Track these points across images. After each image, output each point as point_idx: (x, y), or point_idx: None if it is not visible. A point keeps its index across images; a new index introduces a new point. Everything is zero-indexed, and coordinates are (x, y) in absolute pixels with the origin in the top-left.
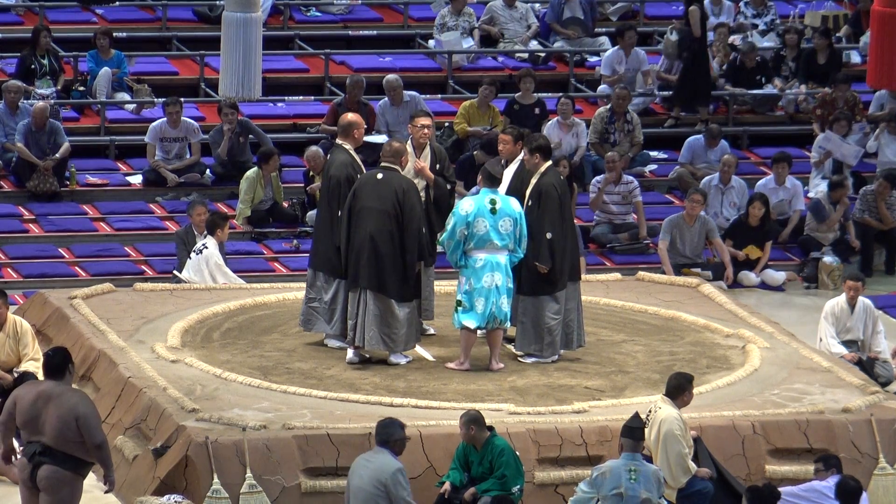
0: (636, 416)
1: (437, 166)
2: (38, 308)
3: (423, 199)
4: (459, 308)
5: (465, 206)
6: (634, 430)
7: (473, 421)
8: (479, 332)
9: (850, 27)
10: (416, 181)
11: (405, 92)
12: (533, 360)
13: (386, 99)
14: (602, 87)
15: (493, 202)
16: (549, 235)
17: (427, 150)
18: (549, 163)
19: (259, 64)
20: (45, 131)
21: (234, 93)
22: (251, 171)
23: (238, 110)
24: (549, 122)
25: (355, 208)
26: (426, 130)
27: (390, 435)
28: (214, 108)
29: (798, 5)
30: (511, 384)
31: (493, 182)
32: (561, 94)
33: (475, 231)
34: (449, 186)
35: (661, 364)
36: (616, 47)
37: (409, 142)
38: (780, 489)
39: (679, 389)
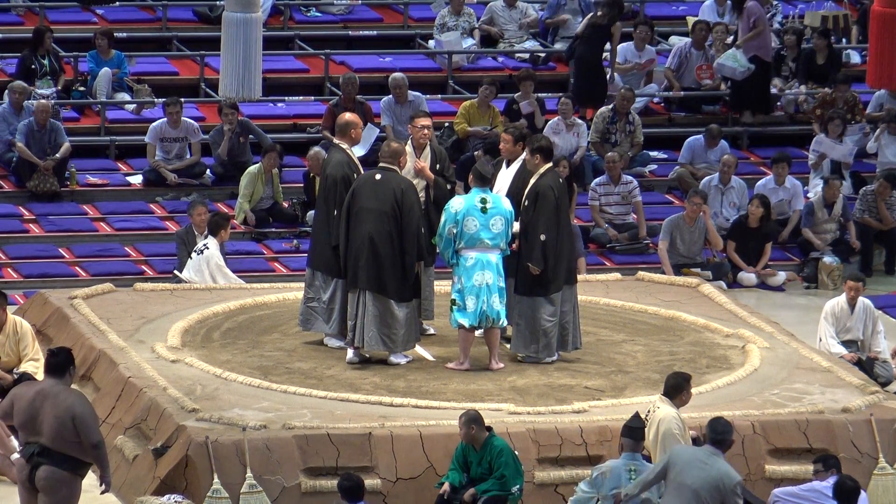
0: (636, 416)
1: (438, 166)
2: (38, 308)
3: (423, 199)
4: (454, 307)
5: (455, 204)
6: (635, 430)
7: (474, 421)
8: (477, 332)
9: (859, 27)
10: (415, 181)
11: (409, 92)
12: (530, 361)
13: (390, 96)
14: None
15: (483, 201)
16: (542, 237)
17: (427, 150)
18: (550, 164)
19: (259, 64)
20: (46, 131)
21: (234, 93)
22: (252, 167)
23: (238, 110)
24: (549, 122)
25: (354, 209)
26: (426, 131)
27: (725, 434)
28: (214, 108)
29: (798, 5)
30: (511, 384)
31: (484, 181)
32: (561, 94)
33: (465, 230)
34: (449, 186)
35: (661, 364)
36: (628, 42)
37: (408, 142)
38: (778, 489)
39: (677, 389)
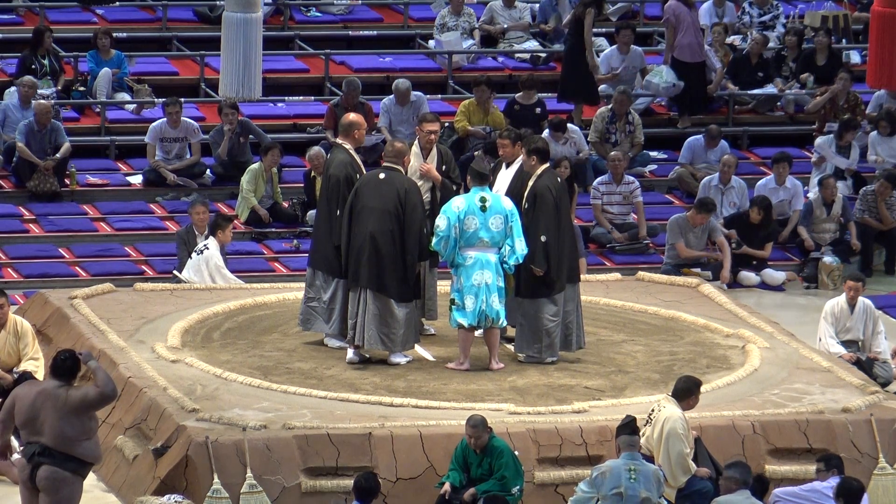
0: (626, 416)
1: (444, 167)
2: (38, 308)
3: (428, 199)
4: (453, 307)
5: (457, 203)
6: (625, 426)
7: (487, 425)
8: (477, 332)
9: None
10: (420, 182)
11: (411, 92)
12: (531, 361)
13: (391, 97)
14: (602, 87)
15: (482, 200)
16: (543, 238)
17: (433, 152)
18: (546, 165)
19: (259, 64)
20: (47, 131)
21: (234, 93)
22: (254, 165)
23: (238, 110)
24: (543, 133)
25: (357, 208)
26: (432, 136)
27: (749, 477)
28: (214, 108)
29: (798, 5)
30: (511, 384)
31: (482, 179)
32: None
33: (465, 229)
34: (455, 187)
35: (661, 364)
36: (613, 46)
37: (415, 143)
38: (779, 489)
39: (687, 392)
